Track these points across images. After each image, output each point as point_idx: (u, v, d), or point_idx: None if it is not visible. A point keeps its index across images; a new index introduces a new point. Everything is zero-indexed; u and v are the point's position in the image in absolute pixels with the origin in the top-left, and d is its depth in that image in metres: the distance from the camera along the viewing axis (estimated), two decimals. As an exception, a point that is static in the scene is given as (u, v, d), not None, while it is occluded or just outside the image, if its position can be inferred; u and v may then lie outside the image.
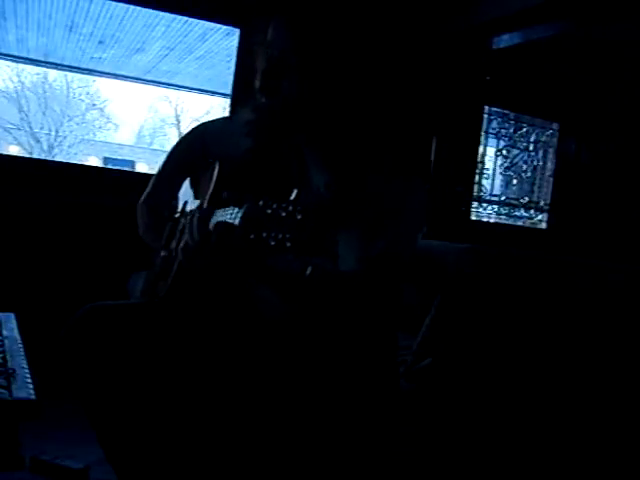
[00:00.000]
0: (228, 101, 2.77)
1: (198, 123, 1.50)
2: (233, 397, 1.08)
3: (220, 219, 0.99)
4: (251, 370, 1.09)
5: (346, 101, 1.11)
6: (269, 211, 0.80)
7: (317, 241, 0.82)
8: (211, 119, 1.52)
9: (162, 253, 1.31)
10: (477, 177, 3.54)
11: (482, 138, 3.47)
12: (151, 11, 3.78)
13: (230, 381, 1.09)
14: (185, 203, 1.39)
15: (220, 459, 1.07)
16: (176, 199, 1.42)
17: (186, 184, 1.43)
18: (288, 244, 0.79)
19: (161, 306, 1.21)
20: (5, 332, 1.43)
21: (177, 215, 1.39)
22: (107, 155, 14.80)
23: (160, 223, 1.33)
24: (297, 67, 1.07)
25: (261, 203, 0.81)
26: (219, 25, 3.71)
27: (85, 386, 1.08)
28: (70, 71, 8.05)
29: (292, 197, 0.81)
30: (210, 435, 1.07)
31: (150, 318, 1.16)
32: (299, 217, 0.79)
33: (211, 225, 1.03)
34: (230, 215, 0.95)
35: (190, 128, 1.51)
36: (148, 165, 13.40)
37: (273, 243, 0.79)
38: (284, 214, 0.79)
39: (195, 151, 1.40)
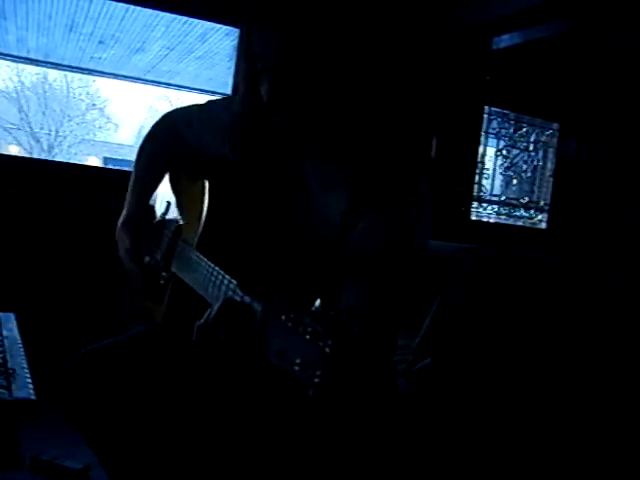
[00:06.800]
0: (228, 101, 2.77)
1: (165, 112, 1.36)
2: (230, 403, 1.07)
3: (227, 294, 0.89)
4: (246, 373, 1.08)
5: (352, 106, 0.98)
6: (290, 324, 0.67)
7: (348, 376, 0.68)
8: (179, 107, 1.36)
9: (146, 259, 1.26)
10: (477, 177, 3.54)
11: (482, 138, 3.47)
12: (151, 11, 3.78)
13: (226, 392, 1.08)
14: (168, 204, 1.34)
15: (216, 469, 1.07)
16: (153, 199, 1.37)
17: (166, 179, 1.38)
18: (316, 380, 0.65)
19: (160, 334, 1.19)
20: (5, 332, 1.43)
21: (159, 219, 1.34)
22: (107, 155, 14.79)
23: (141, 243, 1.25)
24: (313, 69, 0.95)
25: (283, 318, 0.68)
26: (219, 25, 3.71)
27: (86, 432, 1.10)
28: (70, 71, 8.04)
29: (315, 306, 0.67)
30: (207, 451, 1.07)
31: (150, 349, 1.15)
32: (327, 351, 0.64)
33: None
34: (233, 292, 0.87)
35: (156, 120, 1.37)
36: (148, 165, 13.37)
37: (297, 369, 0.66)
38: (308, 337, 0.65)
39: (167, 146, 1.32)
